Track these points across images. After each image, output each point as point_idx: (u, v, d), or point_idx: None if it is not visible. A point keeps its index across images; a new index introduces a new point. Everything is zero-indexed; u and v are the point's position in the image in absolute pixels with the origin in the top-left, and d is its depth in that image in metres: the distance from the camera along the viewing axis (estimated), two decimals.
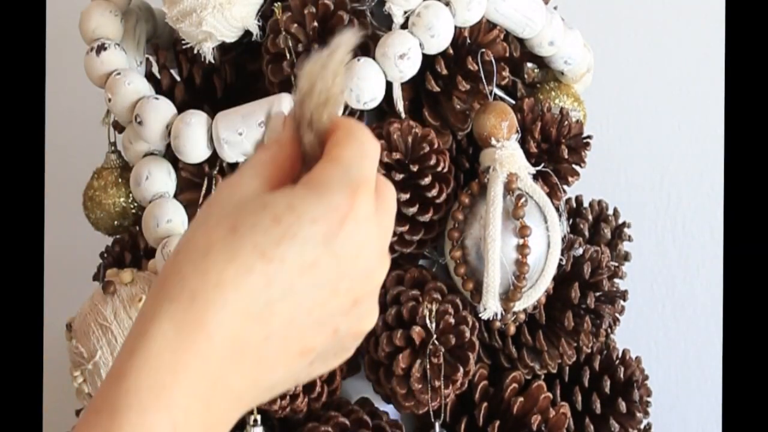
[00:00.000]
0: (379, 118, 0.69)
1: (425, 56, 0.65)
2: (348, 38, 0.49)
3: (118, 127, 0.72)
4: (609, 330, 0.74)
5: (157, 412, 0.45)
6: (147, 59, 0.73)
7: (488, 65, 0.67)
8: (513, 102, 0.72)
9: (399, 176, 0.66)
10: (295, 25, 0.65)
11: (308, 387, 0.67)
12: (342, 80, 0.52)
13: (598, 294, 0.71)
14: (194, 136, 0.65)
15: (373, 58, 0.64)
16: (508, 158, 0.66)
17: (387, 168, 0.66)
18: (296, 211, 0.50)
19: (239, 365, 0.48)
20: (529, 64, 0.76)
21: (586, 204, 0.81)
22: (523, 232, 0.65)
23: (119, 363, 0.46)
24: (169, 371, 0.46)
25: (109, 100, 0.68)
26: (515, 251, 0.65)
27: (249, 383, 0.49)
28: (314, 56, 0.48)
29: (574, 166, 0.70)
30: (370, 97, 0.64)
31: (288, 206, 0.50)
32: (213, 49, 0.66)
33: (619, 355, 0.75)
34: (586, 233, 0.78)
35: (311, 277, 0.49)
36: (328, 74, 0.52)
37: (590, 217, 0.80)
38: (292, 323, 0.49)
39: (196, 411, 0.46)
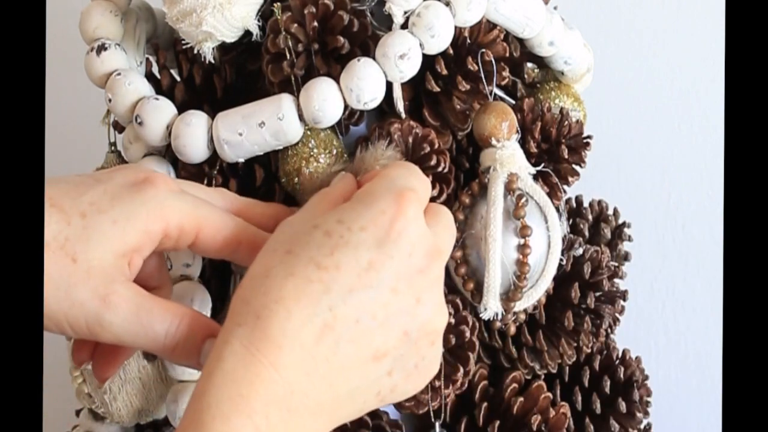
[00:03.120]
0: (379, 118, 0.69)
1: (425, 56, 0.65)
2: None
3: (118, 127, 0.72)
4: (609, 330, 0.74)
5: (239, 418, 0.47)
6: (147, 59, 0.73)
7: (488, 65, 0.67)
8: (513, 102, 0.72)
9: None
10: (295, 25, 0.65)
11: None
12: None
13: (598, 294, 0.71)
14: (194, 137, 0.65)
15: (373, 58, 0.64)
16: (508, 158, 0.66)
17: None
18: (345, 222, 0.52)
19: (313, 372, 0.49)
20: (529, 64, 0.76)
21: (586, 204, 0.81)
22: (523, 232, 0.65)
23: (199, 385, 0.49)
24: (244, 383, 0.48)
25: (109, 100, 0.68)
26: (516, 251, 0.65)
27: (326, 389, 0.50)
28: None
29: (574, 166, 0.70)
30: (371, 97, 0.64)
31: (337, 221, 0.52)
32: (213, 49, 0.66)
33: (619, 355, 0.75)
34: (586, 233, 0.78)
35: (368, 279, 0.50)
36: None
37: (590, 217, 0.80)
38: (358, 326, 0.50)
39: (277, 417, 0.48)
